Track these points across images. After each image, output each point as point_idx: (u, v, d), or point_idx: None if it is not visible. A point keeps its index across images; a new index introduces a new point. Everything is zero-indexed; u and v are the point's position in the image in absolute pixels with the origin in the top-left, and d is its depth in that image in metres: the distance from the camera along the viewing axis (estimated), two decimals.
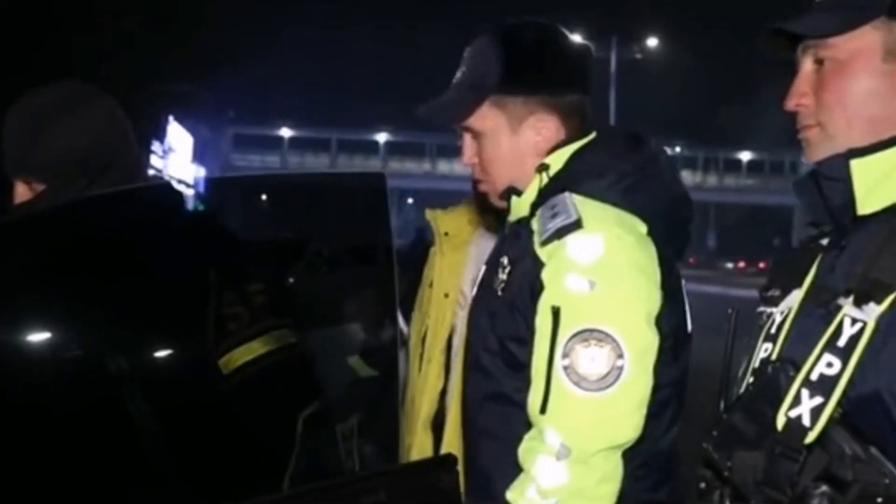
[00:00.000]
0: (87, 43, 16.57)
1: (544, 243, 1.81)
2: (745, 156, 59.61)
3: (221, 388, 2.00)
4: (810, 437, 1.30)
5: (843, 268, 1.36)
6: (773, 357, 1.42)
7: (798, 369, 1.33)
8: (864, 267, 1.32)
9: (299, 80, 62.07)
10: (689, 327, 1.95)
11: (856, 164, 1.38)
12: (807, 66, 1.45)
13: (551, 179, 1.90)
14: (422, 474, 2.10)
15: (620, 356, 1.75)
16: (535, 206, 1.90)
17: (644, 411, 1.79)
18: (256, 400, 2.03)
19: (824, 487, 1.28)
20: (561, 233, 1.79)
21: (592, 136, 1.96)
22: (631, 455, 1.81)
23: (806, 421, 1.30)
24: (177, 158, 31.54)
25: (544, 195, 1.88)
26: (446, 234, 2.65)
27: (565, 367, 1.75)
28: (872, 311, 1.30)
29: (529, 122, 1.94)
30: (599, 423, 1.76)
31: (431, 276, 2.64)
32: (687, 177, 61.85)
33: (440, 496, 1.99)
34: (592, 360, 1.74)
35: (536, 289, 1.82)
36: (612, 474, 1.78)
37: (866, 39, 1.40)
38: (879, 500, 1.25)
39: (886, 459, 1.26)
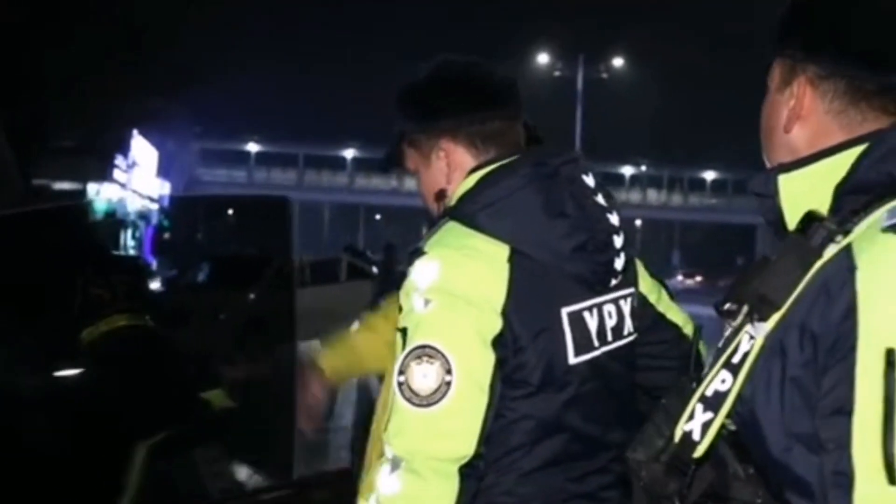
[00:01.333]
0: (57, 58, 16.46)
1: (406, 265, 1.92)
2: (710, 175, 60.19)
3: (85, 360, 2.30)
4: (698, 452, 1.32)
5: (752, 284, 1.37)
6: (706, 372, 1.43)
7: (700, 384, 1.35)
8: (759, 283, 1.33)
9: (267, 96, 61.90)
10: (572, 359, 1.92)
11: (783, 179, 1.40)
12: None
13: (453, 204, 1.96)
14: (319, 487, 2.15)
15: (449, 371, 1.79)
16: None
17: (478, 427, 1.82)
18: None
19: (710, 503, 1.30)
20: (412, 258, 1.89)
21: (510, 159, 1.97)
22: (490, 482, 1.86)
23: (696, 436, 1.32)
24: (141, 172, 31.33)
25: (438, 222, 1.96)
26: None
27: (400, 384, 1.82)
28: (762, 329, 1.31)
29: (434, 154, 2.04)
30: (428, 437, 1.80)
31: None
32: (652, 195, 62.65)
33: None
34: (425, 375, 1.80)
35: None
36: (445, 486, 1.81)
37: (774, 72, 1.48)
38: None
39: (762, 480, 1.28)
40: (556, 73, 43.30)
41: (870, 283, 1.23)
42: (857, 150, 1.37)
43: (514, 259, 1.86)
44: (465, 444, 1.81)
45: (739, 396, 1.31)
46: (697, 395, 1.34)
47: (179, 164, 39.96)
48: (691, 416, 1.33)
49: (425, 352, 1.80)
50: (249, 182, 55.26)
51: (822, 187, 1.37)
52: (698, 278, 51.55)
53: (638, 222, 64.14)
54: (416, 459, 1.79)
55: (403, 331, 1.84)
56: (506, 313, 1.84)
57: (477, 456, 1.82)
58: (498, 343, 1.83)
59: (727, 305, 1.42)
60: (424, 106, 2.08)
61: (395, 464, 1.81)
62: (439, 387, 1.79)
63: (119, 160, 27.78)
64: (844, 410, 1.20)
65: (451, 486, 1.81)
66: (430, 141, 2.05)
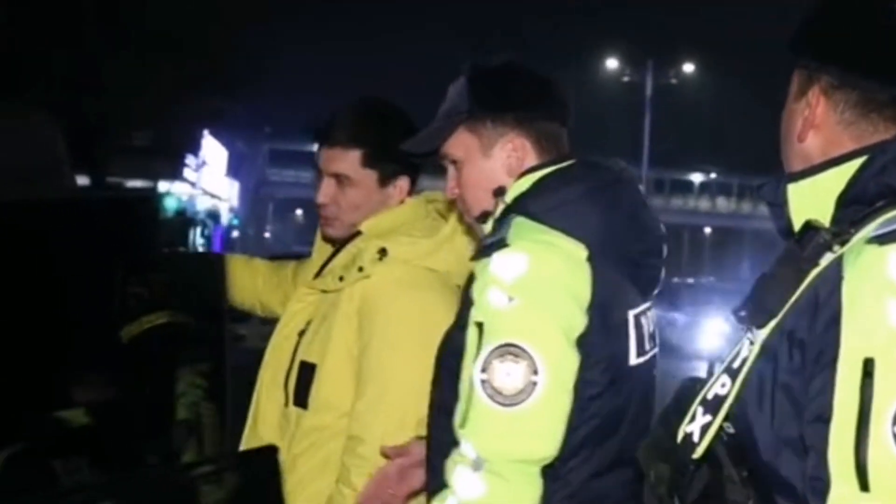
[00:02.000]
0: (125, 56, 16.76)
1: (476, 258, 1.87)
2: None
3: None
4: (697, 453, 1.35)
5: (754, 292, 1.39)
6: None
7: (703, 387, 1.38)
8: (758, 291, 1.35)
9: (337, 96, 62.60)
10: (633, 360, 1.94)
11: (792, 189, 1.41)
12: None
13: (511, 203, 1.94)
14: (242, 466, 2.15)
15: (535, 372, 1.77)
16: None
17: (562, 428, 1.81)
18: None
19: (707, 502, 1.34)
20: (489, 250, 1.84)
21: (568, 163, 1.99)
22: (556, 484, 1.84)
23: (695, 437, 1.35)
24: (210, 172, 31.81)
25: (500, 218, 1.94)
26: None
27: (482, 381, 1.78)
28: (759, 336, 1.33)
29: (500, 144, 2.00)
30: (512, 437, 1.78)
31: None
32: (722, 203, 62.00)
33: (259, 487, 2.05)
34: (508, 374, 1.77)
35: (468, 305, 1.88)
36: (529, 489, 1.80)
37: (793, 82, 1.49)
38: None
39: (753, 484, 1.31)
40: (625, 79, 42.99)
41: (854, 293, 1.23)
42: (858, 162, 1.37)
43: (592, 259, 1.86)
44: (549, 445, 1.80)
45: (737, 400, 1.33)
46: (699, 398, 1.37)
47: (249, 164, 40.53)
48: (693, 419, 1.37)
49: (510, 350, 1.77)
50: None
51: (826, 197, 1.37)
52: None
53: (707, 230, 63.54)
54: (500, 461, 1.77)
55: (479, 325, 1.81)
56: (590, 312, 1.85)
57: (556, 458, 1.82)
58: (580, 342, 1.83)
59: (742, 312, 1.44)
60: (502, 91, 2.03)
61: (478, 464, 1.78)
62: (525, 387, 1.77)
63: (189, 159, 28.22)
64: (824, 418, 1.22)
65: (535, 488, 1.81)
66: (496, 129, 2.00)
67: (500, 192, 1.99)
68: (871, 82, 1.41)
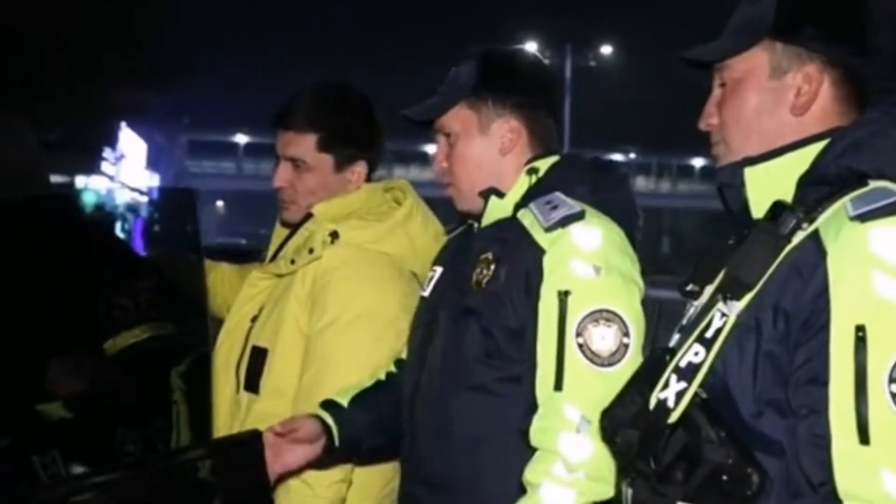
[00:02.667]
0: (39, 51, 16.38)
1: (549, 230, 1.95)
2: (698, 162, 60.24)
3: None
4: (673, 418, 1.44)
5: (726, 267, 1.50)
6: (675, 346, 1.56)
7: (675, 356, 1.47)
8: (731, 266, 1.46)
9: (256, 86, 61.77)
10: None
11: (749, 172, 1.51)
12: (715, 88, 1.61)
13: (538, 181, 2.05)
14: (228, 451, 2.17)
15: (626, 334, 1.92)
16: (517, 208, 2.04)
17: None
18: None
19: (683, 464, 1.42)
20: (565, 222, 1.95)
21: (557, 158, 2.12)
22: None
23: (671, 403, 1.45)
24: (129, 165, 31.22)
25: (531, 196, 2.03)
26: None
27: (580, 345, 1.89)
28: (735, 307, 1.43)
29: (498, 124, 2.09)
30: (612, 396, 1.84)
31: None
32: (641, 183, 62.67)
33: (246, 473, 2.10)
34: (603, 338, 1.90)
35: (533, 277, 1.95)
36: None
37: (755, 60, 1.55)
38: (724, 477, 1.40)
39: (733, 443, 1.40)
40: (545, 61, 43.23)
41: (840, 266, 1.35)
42: (819, 146, 1.49)
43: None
44: None
45: (712, 368, 1.43)
46: (672, 366, 1.46)
47: (168, 157, 39.88)
48: (666, 385, 1.46)
49: (603, 315, 1.91)
50: (239, 173, 55.04)
51: (786, 179, 1.49)
52: None
53: None
54: None
55: (566, 293, 1.90)
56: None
57: None
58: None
59: (690, 287, 1.61)
60: (507, 74, 2.12)
61: (582, 426, 1.86)
62: (618, 348, 1.90)
63: (107, 153, 27.66)
64: (820, 381, 1.34)
65: None
66: (496, 109, 2.09)
67: (532, 171, 2.08)
68: (861, 60, 1.53)
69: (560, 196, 2.00)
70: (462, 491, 2.03)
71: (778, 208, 1.46)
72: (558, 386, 1.89)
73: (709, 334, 1.46)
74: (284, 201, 2.58)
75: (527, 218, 2.00)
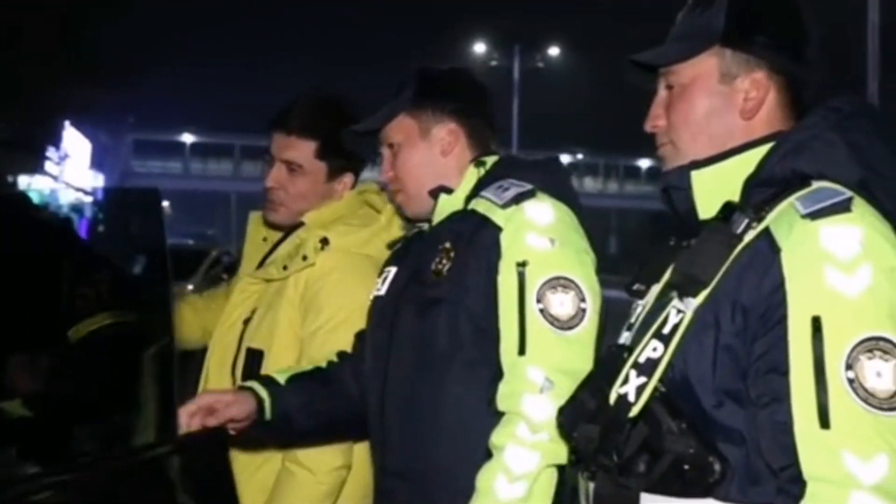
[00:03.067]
0: None
1: (504, 207, 2.04)
2: (645, 163, 60.90)
3: None
4: (634, 412, 1.49)
5: (678, 266, 1.56)
6: (627, 343, 1.62)
7: (632, 353, 1.52)
8: (685, 264, 1.52)
9: (203, 85, 61.20)
10: None
11: (695, 175, 1.58)
12: (661, 90, 1.67)
13: (487, 173, 2.17)
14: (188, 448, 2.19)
15: (583, 300, 2.01)
16: (467, 200, 2.14)
17: (593, 351, 2.02)
18: None
19: (645, 456, 1.48)
20: (519, 199, 2.05)
21: (499, 157, 2.24)
22: None
23: (631, 397, 1.50)
24: (73, 165, 30.79)
25: (480, 187, 2.13)
26: (264, 239, 2.78)
27: (541, 311, 1.97)
28: (691, 304, 1.49)
29: (437, 128, 2.21)
30: (572, 358, 1.96)
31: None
32: (588, 183, 63.23)
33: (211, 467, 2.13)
34: (562, 303, 1.98)
35: (493, 255, 2.04)
36: None
37: (704, 65, 1.62)
38: (686, 466, 1.45)
39: (693, 434, 1.47)
40: (493, 63, 43.39)
41: (794, 262, 1.42)
42: (763, 149, 1.56)
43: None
44: (591, 365, 1.96)
45: (670, 362, 1.48)
46: (630, 362, 1.52)
47: (113, 156, 39.38)
48: (626, 381, 1.51)
49: (560, 282, 2.00)
50: (185, 173, 54.52)
51: (732, 181, 1.56)
52: None
53: None
54: (566, 382, 1.89)
55: (523, 264, 1.99)
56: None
57: None
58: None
59: (636, 286, 1.69)
60: (444, 84, 2.27)
61: (547, 386, 1.93)
62: (577, 312, 1.99)
63: (51, 152, 27.26)
64: (780, 370, 1.41)
65: None
66: (435, 116, 2.22)
67: (479, 163, 2.18)
68: (802, 69, 1.61)
69: (511, 180, 2.10)
70: (437, 481, 2.07)
71: (728, 209, 1.53)
72: (521, 350, 1.96)
73: (666, 330, 1.51)
74: (273, 202, 2.67)
75: (480, 205, 2.09)
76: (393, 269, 2.27)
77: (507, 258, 2.01)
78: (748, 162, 1.57)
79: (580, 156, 62.33)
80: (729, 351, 1.47)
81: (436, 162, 2.21)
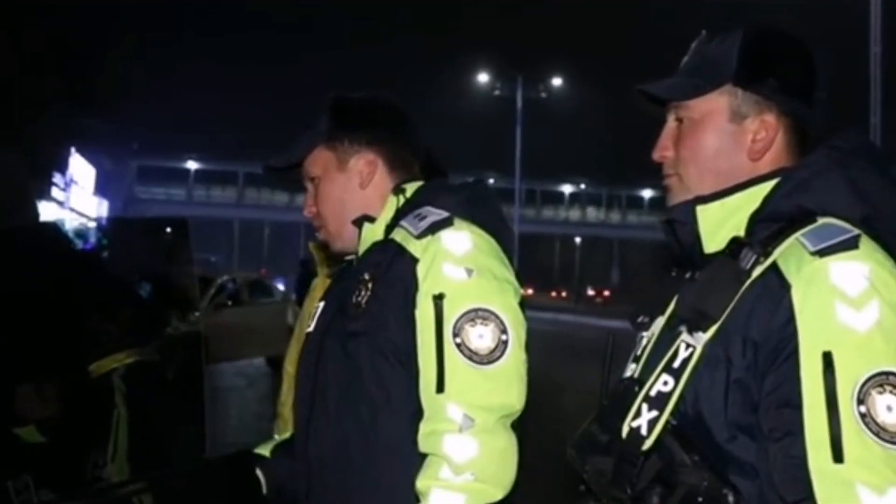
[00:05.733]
0: None
1: (419, 237, 1.98)
2: (647, 193, 61.01)
3: None
4: (647, 445, 1.49)
5: (686, 299, 1.56)
6: (636, 376, 1.62)
7: (643, 386, 1.53)
8: (695, 299, 1.53)
9: (206, 114, 61.50)
10: None
11: (700, 210, 1.59)
12: (670, 122, 1.68)
13: (406, 201, 2.10)
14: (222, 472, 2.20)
15: (504, 331, 1.92)
16: (388, 229, 2.08)
17: (525, 383, 1.94)
18: None
19: (658, 488, 1.48)
20: (434, 228, 1.98)
21: (422, 182, 2.16)
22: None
23: (644, 431, 1.49)
24: (79, 191, 30.89)
25: (401, 215, 2.07)
26: (329, 266, 2.72)
27: (458, 345, 1.89)
28: (700, 339, 1.50)
29: (355, 159, 2.15)
30: (494, 393, 1.89)
31: (310, 309, 2.65)
32: (591, 213, 63.30)
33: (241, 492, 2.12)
34: (481, 336, 1.90)
35: (409, 287, 1.96)
36: (513, 442, 1.89)
37: (715, 103, 1.62)
38: (700, 499, 1.45)
39: (706, 466, 1.46)
40: (496, 93, 43.61)
41: (804, 298, 1.44)
42: (768, 185, 1.58)
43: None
44: (521, 399, 1.92)
45: (681, 396, 1.49)
46: (642, 395, 1.52)
47: (117, 182, 39.51)
48: (637, 414, 1.51)
49: (479, 314, 1.91)
50: (189, 200, 54.68)
51: (737, 216, 1.58)
52: (606, 293, 52.79)
53: (577, 240, 64.76)
54: (488, 418, 1.86)
55: (440, 296, 1.91)
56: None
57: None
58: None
59: (640, 318, 1.69)
60: (359, 113, 2.19)
61: (465, 426, 1.85)
62: (497, 345, 1.90)
63: (57, 178, 27.37)
64: (792, 404, 1.41)
65: (514, 440, 1.90)
66: (352, 146, 2.14)
67: (399, 191, 2.12)
68: (809, 110, 1.62)
69: (429, 208, 2.04)
70: None
71: (736, 244, 1.55)
72: (440, 388, 1.88)
73: (676, 364, 1.51)
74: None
75: (399, 234, 2.03)
76: (321, 304, 2.20)
77: (423, 290, 1.93)
78: (753, 198, 1.58)
79: (583, 185, 62.49)
80: (740, 385, 1.48)
81: (355, 194, 2.14)
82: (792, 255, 1.48)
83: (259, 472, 2.16)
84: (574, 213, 63.67)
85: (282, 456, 2.19)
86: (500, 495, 1.86)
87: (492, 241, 2.03)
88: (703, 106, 1.63)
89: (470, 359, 1.88)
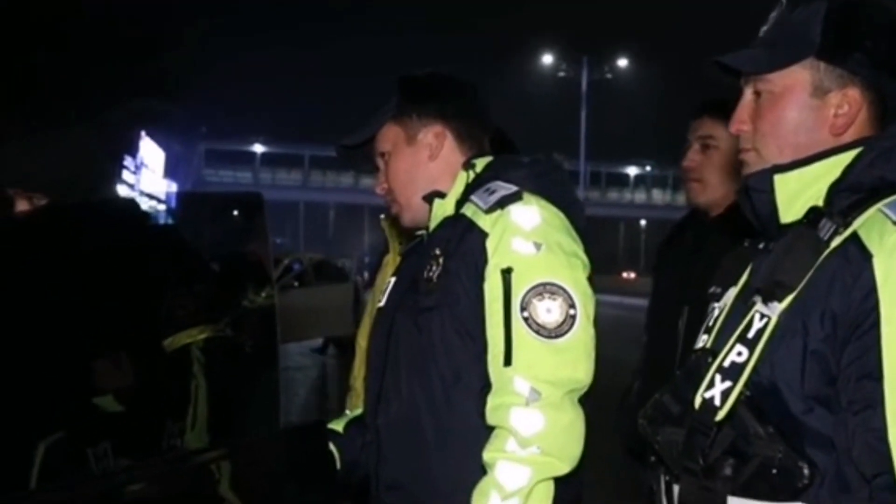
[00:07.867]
0: (60, 59, 16.54)
1: (488, 212, 1.99)
2: None
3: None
4: (720, 416, 1.49)
5: (762, 269, 1.55)
6: (708, 346, 1.61)
7: (716, 357, 1.52)
8: (771, 269, 1.51)
9: (273, 96, 61.98)
10: None
11: (778, 179, 1.56)
12: (747, 95, 1.63)
13: (476, 176, 2.11)
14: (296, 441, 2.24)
15: (572, 306, 1.93)
16: (459, 204, 2.09)
17: (593, 357, 1.96)
18: None
19: (731, 459, 1.48)
20: (503, 202, 1.99)
21: (492, 157, 2.17)
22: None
23: (717, 402, 1.49)
24: (148, 174, 31.41)
25: (471, 190, 2.08)
26: (400, 243, 2.74)
27: (525, 319, 1.91)
28: (776, 308, 1.49)
29: (423, 133, 2.16)
30: (562, 367, 1.90)
31: (382, 285, 2.67)
32: (657, 195, 62.61)
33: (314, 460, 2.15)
34: (548, 310, 1.92)
35: (479, 261, 1.98)
36: (580, 416, 1.91)
37: (797, 77, 1.58)
38: (774, 470, 1.45)
39: (781, 437, 1.46)
40: (561, 74, 43.32)
41: (888, 269, 1.42)
42: (850, 155, 1.55)
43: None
44: (588, 373, 1.94)
45: (755, 367, 1.48)
46: (715, 366, 1.52)
47: (185, 165, 40.08)
48: (711, 385, 1.51)
49: (546, 288, 1.93)
50: (255, 183, 55.22)
51: (816, 186, 1.55)
52: (632, 274, 52.38)
53: (643, 222, 64.11)
54: (554, 392, 1.88)
55: (508, 270, 1.93)
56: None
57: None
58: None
59: (712, 289, 1.68)
60: (426, 88, 2.22)
61: (531, 399, 1.87)
62: (565, 319, 1.92)
63: (128, 161, 27.87)
64: (873, 376, 1.40)
65: (583, 415, 1.92)
66: (420, 120, 2.16)
67: (469, 165, 2.14)
68: (894, 83, 1.58)
69: (498, 182, 2.05)
70: (431, 490, 2.02)
71: (814, 214, 1.53)
72: (507, 361, 1.90)
73: (750, 335, 1.50)
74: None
75: (469, 209, 2.04)
76: (392, 280, 2.22)
77: (492, 264, 1.95)
78: (833, 167, 1.55)
79: (648, 168, 61.81)
80: (817, 356, 1.46)
81: (424, 167, 2.15)
82: (874, 225, 1.46)
83: (332, 447, 2.19)
84: (639, 196, 63.05)
85: (354, 432, 2.22)
86: (566, 469, 1.87)
87: (561, 215, 2.04)
88: (784, 80, 1.58)
89: (538, 333, 1.90)
